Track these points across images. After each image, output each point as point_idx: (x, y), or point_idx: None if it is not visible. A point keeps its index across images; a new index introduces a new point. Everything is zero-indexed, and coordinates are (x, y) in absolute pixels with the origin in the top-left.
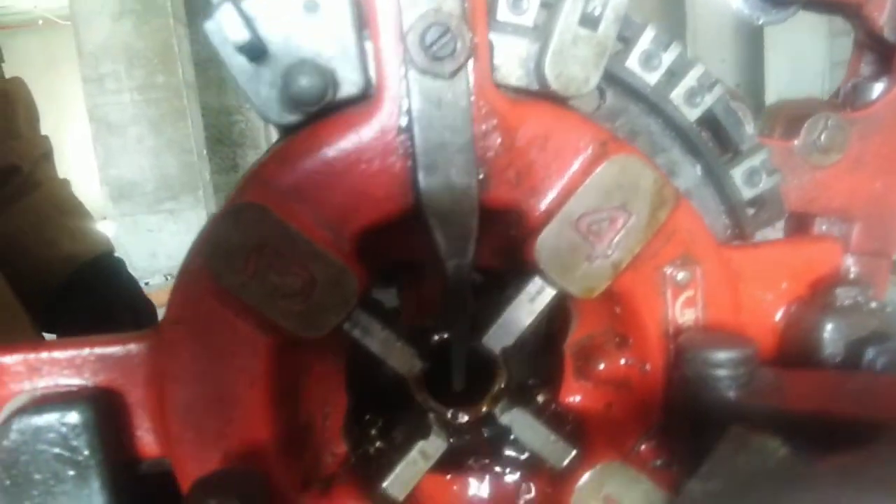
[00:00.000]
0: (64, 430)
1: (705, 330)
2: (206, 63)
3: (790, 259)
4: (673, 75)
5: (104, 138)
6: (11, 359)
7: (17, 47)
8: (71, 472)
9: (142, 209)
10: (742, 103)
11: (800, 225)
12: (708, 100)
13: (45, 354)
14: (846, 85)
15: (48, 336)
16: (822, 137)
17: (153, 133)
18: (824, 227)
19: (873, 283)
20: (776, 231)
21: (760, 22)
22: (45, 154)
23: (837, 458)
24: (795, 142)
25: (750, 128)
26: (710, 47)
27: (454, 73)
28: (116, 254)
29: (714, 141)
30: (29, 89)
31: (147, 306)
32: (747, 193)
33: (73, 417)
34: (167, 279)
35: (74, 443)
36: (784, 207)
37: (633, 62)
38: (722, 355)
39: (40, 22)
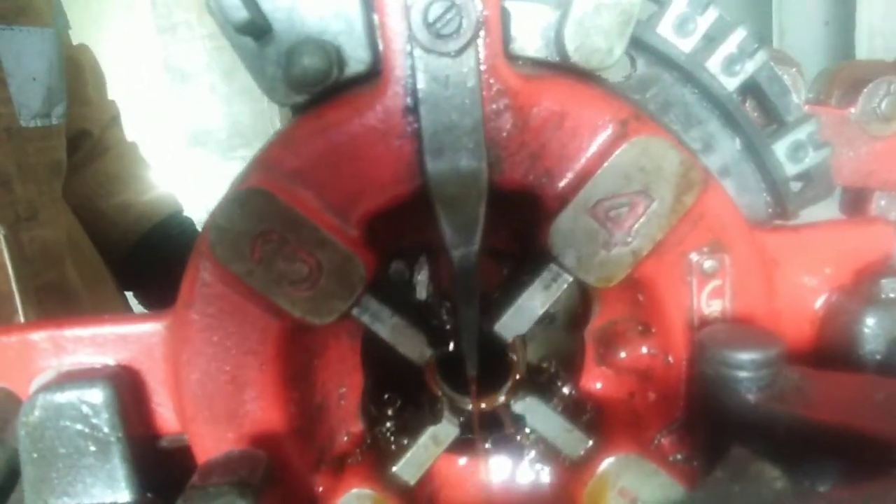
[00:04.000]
0: (84, 408)
1: (732, 322)
2: None
3: (835, 243)
4: (711, 41)
5: (179, 87)
6: (38, 336)
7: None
8: (92, 448)
9: (216, 156)
10: (793, 67)
11: (857, 200)
12: (749, 67)
13: (68, 332)
14: None
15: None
16: (884, 105)
17: (225, 81)
18: (883, 203)
19: None
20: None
21: None
22: (113, 118)
23: (836, 492)
24: (852, 110)
25: (797, 97)
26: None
27: (460, 52)
28: (188, 204)
29: (759, 110)
30: (94, 55)
31: None
32: (791, 170)
33: (93, 396)
34: None
35: (95, 420)
36: (833, 184)
37: (665, 28)
38: (743, 356)
39: None
